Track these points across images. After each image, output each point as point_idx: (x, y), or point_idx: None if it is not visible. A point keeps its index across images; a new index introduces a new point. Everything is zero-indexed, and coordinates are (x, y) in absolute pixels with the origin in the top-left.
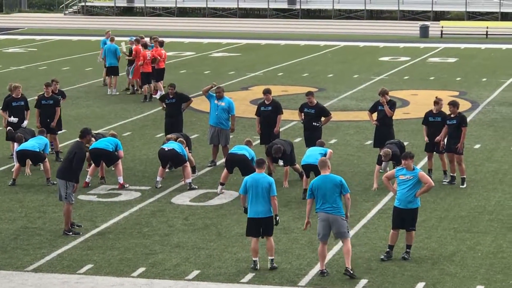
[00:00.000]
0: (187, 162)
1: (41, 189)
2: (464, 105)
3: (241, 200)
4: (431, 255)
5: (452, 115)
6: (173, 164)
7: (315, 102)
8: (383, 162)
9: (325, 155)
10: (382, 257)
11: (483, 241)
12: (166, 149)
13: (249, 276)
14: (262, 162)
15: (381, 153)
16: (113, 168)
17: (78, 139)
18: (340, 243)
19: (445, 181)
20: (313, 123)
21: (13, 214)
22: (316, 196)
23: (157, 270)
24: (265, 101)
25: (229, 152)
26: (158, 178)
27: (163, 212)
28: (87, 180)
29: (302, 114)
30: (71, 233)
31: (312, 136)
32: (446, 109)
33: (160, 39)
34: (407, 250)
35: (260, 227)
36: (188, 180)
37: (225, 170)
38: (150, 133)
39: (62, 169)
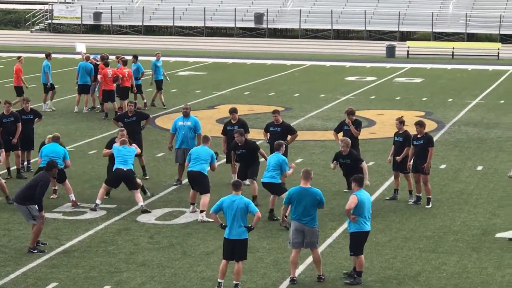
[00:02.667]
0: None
1: (6, 207)
2: (430, 125)
3: (212, 217)
4: (396, 275)
5: (418, 135)
6: (127, 185)
7: (281, 120)
8: None
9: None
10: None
11: (448, 261)
12: (125, 169)
13: None
14: (238, 185)
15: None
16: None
17: (44, 171)
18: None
19: (410, 201)
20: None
21: None
22: (294, 206)
23: None
24: (232, 120)
25: (188, 169)
26: (98, 201)
27: (128, 231)
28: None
29: (268, 133)
30: (36, 251)
31: None
32: (411, 129)
33: (125, 57)
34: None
35: (233, 248)
36: (141, 203)
37: (191, 190)
38: None
39: (22, 195)
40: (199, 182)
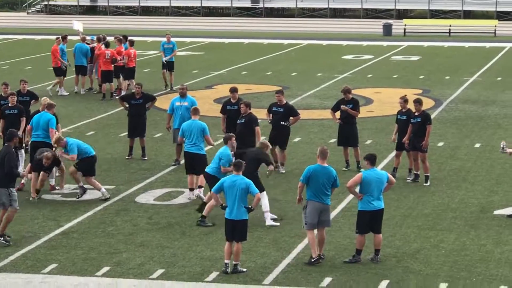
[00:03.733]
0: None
1: None
2: (427, 103)
3: (213, 197)
4: (395, 253)
5: (416, 113)
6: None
7: (285, 101)
8: None
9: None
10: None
11: (446, 239)
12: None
13: (214, 275)
14: (240, 165)
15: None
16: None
17: (5, 143)
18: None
19: (409, 179)
20: (281, 123)
21: None
22: (313, 185)
23: (122, 269)
24: (231, 100)
25: (185, 150)
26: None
27: (127, 211)
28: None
29: (270, 114)
30: (1, 239)
31: (280, 137)
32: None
33: (125, 37)
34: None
35: (233, 229)
36: (103, 189)
37: (189, 176)
38: (114, 132)
39: (2, 178)
40: (196, 165)
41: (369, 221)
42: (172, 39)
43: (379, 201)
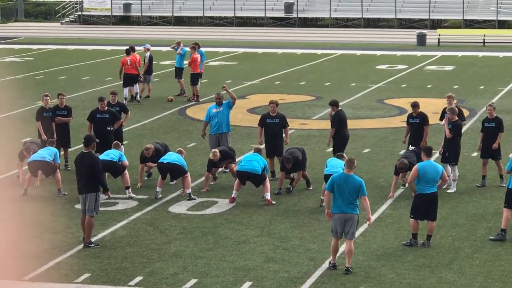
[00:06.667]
0: (188, 173)
1: (37, 199)
2: None
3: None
4: (429, 263)
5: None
6: (173, 176)
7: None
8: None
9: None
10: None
11: (481, 249)
12: (165, 162)
13: (247, 284)
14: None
15: (396, 164)
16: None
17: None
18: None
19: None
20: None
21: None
22: (338, 194)
23: (155, 279)
24: (270, 113)
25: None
26: (158, 189)
27: (160, 221)
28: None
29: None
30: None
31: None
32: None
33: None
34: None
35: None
36: (188, 191)
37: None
38: (147, 142)
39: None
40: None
41: (425, 206)
42: (205, 49)
43: (434, 187)
